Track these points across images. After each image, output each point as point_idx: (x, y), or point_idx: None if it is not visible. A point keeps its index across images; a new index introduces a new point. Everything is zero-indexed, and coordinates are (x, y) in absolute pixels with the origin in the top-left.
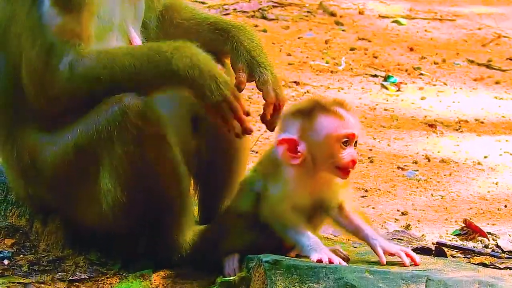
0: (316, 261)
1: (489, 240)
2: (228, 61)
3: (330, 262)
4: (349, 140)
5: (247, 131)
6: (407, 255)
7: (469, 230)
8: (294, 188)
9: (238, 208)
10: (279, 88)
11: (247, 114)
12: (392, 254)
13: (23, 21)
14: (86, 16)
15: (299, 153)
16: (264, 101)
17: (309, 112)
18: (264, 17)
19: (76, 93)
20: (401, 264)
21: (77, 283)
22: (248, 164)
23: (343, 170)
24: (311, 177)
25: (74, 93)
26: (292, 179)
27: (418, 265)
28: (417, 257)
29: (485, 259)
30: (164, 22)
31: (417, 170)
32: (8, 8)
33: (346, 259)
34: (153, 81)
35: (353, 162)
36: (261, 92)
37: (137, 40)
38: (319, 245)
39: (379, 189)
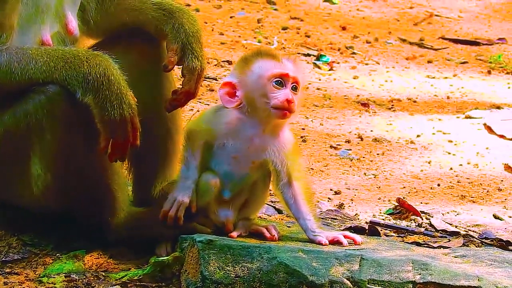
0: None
1: (422, 219)
2: (163, 43)
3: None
4: (282, 81)
5: (121, 159)
6: (346, 237)
7: (402, 209)
8: (230, 129)
9: None
10: (199, 83)
11: (135, 147)
12: (332, 241)
13: None
14: (10, 4)
15: (236, 97)
16: (181, 87)
17: (249, 57)
18: None
19: None
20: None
21: (10, 264)
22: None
23: (279, 111)
24: (250, 125)
25: None
26: (231, 120)
27: (359, 244)
28: (357, 237)
29: (418, 238)
30: (104, 3)
31: (350, 149)
32: None
33: (277, 238)
34: (63, 82)
35: (288, 101)
36: (183, 78)
37: (73, 23)
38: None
39: (312, 169)
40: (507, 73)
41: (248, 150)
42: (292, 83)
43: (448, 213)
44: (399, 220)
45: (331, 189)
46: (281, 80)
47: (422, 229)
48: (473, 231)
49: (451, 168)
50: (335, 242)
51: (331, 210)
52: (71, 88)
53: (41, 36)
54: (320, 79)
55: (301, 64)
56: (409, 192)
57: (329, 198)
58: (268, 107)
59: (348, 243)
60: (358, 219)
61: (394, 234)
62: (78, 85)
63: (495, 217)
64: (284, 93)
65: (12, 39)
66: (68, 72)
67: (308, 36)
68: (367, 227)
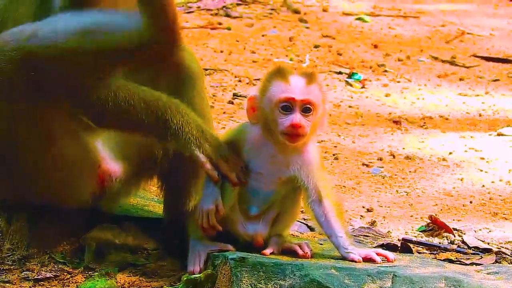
0: None
1: (454, 236)
2: None
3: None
4: (290, 105)
5: (240, 175)
6: (379, 254)
7: (435, 226)
8: (253, 144)
9: None
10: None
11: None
12: (365, 258)
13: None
14: None
15: (256, 113)
16: None
17: (265, 77)
18: (228, 15)
19: None
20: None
21: (42, 282)
22: None
23: (287, 136)
24: (272, 142)
25: None
26: (253, 136)
27: (392, 262)
28: (390, 254)
29: (451, 255)
30: None
31: (382, 167)
32: None
33: (310, 255)
34: (141, 125)
35: (293, 126)
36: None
37: None
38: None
39: (344, 186)
40: None
41: (271, 167)
42: (303, 105)
43: (480, 230)
44: (431, 237)
45: (363, 207)
46: (288, 105)
47: (455, 246)
48: (505, 248)
49: (483, 185)
50: (367, 259)
51: (364, 227)
52: (147, 130)
53: None
54: (352, 97)
55: (317, 81)
56: (441, 209)
57: (361, 216)
58: (279, 131)
59: (381, 260)
60: (391, 236)
61: (426, 251)
62: (160, 131)
63: None
64: (289, 118)
65: None
66: (151, 116)
67: (340, 54)
68: (399, 244)
